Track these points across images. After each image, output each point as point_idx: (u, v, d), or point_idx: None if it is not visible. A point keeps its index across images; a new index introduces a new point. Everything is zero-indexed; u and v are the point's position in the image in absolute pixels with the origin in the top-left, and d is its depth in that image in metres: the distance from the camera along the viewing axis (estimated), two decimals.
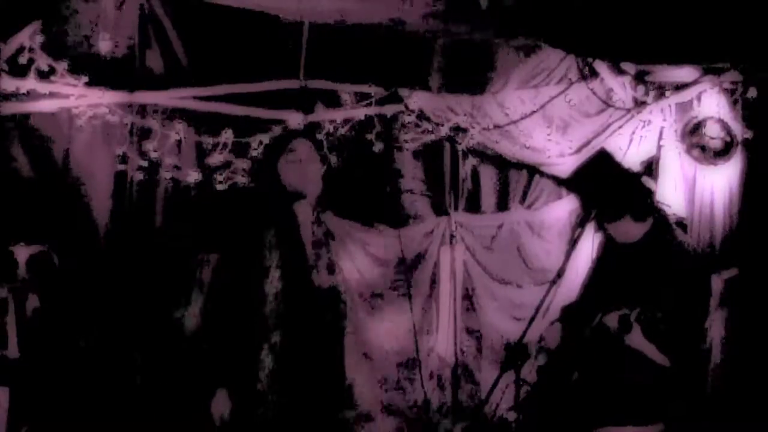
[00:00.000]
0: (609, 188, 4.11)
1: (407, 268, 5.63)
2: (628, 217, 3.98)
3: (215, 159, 5.27)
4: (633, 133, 5.78)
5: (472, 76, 5.73)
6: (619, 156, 5.60)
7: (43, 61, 4.89)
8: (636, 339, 3.77)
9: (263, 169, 4.18)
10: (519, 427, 4.37)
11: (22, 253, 4.71)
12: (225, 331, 3.78)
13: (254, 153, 5.29)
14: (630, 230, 4.01)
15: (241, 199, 5.16)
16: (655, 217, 4.01)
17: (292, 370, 3.77)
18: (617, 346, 3.81)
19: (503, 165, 5.90)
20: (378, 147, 5.59)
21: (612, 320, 3.81)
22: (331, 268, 3.94)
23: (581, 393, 3.97)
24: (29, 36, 4.86)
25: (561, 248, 5.71)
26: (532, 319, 4.15)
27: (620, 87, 5.77)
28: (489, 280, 5.81)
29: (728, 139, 5.65)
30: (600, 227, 4.18)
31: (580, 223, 4.20)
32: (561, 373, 4.05)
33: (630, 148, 5.78)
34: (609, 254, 4.20)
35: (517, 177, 5.93)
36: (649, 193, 4.12)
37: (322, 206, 4.03)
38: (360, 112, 5.53)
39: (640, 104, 5.77)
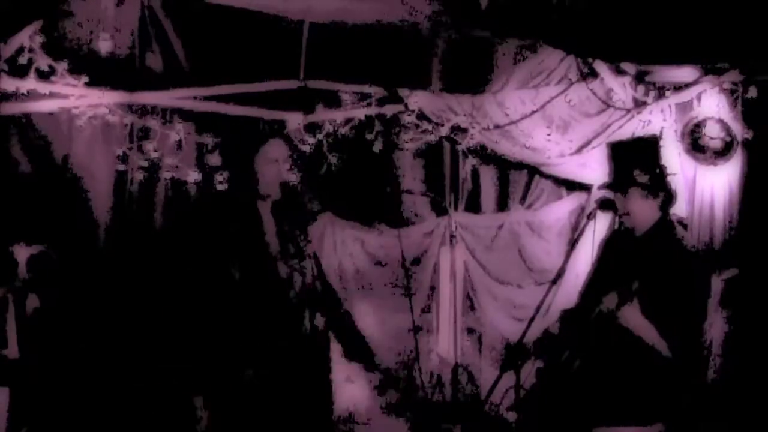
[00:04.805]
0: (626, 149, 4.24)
1: (407, 268, 5.62)
2: (638, 189, 4.00)
3: (215, 159, 5.28)
4: (633, 133, 5.75)
5: (472, 76, 5.73)
6: None
7: (43, 61, 4.89)
8: (636, 319, 3.78)
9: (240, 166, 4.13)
10: (519, 427, 4.36)
11: (22, 253, 4.71)
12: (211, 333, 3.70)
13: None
14: (644, 209, 4.01)
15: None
16: (664, 199, 4.03)
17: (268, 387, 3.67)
18: (617, 333, 3.82)
19: (503, 165, 5.90)
20: (378, 147, 5.60)
21: (611, 300, 3.82)
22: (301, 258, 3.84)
23: (582, 388, 3.97)
24: (29, 36, 4.86)
25: (561, 248, 5.71)
26: (532, 319, 4.15)
27: (620, 87, 5.76)
28: (489, 280, 5.81)
29: (728, 139, 5.64)
30: (614, 210, 4.18)
31: (589, 215, 4.20)
32: (563, 364, 4.06)
33: None
34: (611, 251, 4.20)
35: (517, 177, 5.93)
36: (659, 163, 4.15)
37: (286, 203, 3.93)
38: (360, 112, 5.54)
39: (640, 104, 5.76)
